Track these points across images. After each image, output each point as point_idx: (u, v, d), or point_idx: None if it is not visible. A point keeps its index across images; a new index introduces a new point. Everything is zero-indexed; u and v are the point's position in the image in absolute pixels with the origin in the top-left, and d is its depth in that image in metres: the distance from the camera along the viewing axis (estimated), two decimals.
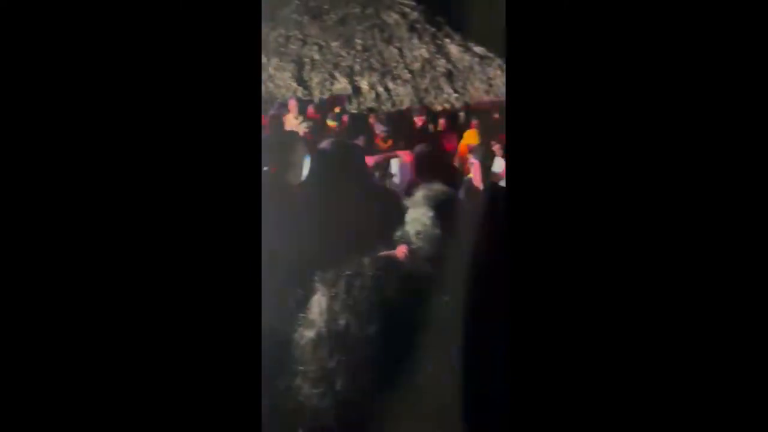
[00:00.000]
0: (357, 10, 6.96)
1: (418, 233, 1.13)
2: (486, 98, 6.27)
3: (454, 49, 6.63)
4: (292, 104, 4.54)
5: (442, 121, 4.95)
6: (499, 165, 2.97)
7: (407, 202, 1.23)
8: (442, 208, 1.16)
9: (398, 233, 1.16)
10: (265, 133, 2.61)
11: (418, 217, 1.15)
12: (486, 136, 3.79)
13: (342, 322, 0.70)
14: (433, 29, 6.75)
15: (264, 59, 5.90)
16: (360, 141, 3.36)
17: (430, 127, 4.91)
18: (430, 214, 1.14)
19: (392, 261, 0.90)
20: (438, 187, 1.24)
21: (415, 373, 0.75)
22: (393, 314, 0.71)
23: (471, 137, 3.54)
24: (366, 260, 0.79)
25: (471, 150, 3.25)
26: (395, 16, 6.82)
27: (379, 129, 4.20)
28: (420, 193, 1.20)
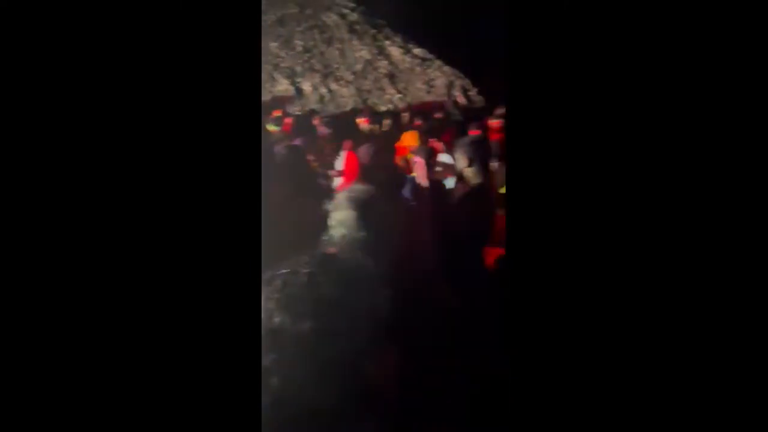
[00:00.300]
0: (295, 10, 6.86)
1: (343, 236, 1.12)
2: (428, 98, 6.42)
3: (394, 51, 6.72)
4: None
5: (386, 122, 5.00)
6: (440, 163, 3.06)
7: (329, 205, 1.21)
8: (366, 208, 1.16)
9: (325, 237, 1.15)
10: None
11: (342, 219, 1.15)
12: (427, 136, 3.88)
13: (276, 320, 0.69)
14: (374, 31, 6.80)
15: None
16: (301, 142, 3.31)
17: (375, 127, 4.95)
18: (354, 214, 1.14)
19: (329, 258, 0.90)
20: (360, 187, 1.23)
21: (356, 368, 0.75)
22: (330, 311, 0.71)
23: (410, 139, 3.61)
24: (303, 259, 0.78)
25: (412, 150, 3.31)
26: (334, 17, 6.80)
27: (323, 131, 4.16)
28: (342, 195, 1.19)
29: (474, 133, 3.59)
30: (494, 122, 4.42)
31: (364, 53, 6.61)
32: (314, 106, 6.15)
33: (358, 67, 6.52)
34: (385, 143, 4.23)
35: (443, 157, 2.94)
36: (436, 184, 2.48)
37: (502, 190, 2.43)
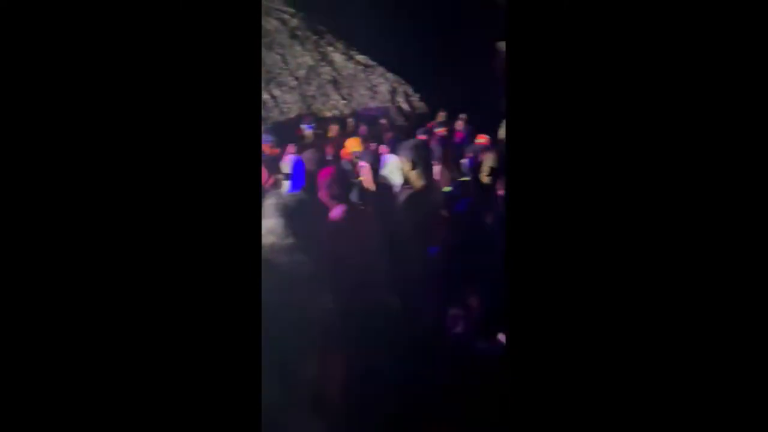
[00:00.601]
0: None
1: (272, 245, 1.08)
2: (372, 104, 6.49)
3: (337, 57, 6.74)
4: None
5: (335, 128, 4.99)
6: (387, 168, 3.11)
7: None
8: (295, 215, 1.13)
9: None
10: None
11: (270, 227, 1.10)
12: (371, 141, 3.92)
13: None
14: (315, 37, 6.77)
15: None
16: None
17: (320, 133, 4.92)
18: (282, 222, 1.11)
19: (265, 265, 0.88)
20: (287, 194, 1.20)
21: (298, 371, 0.75)
22: (268, 315, 0.70)
23: (353, 145, 3.64)
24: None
25: (356, 155, 3.34)
26: (275, 23, 6.70)
27: (265, 138, 4.08)
28: (269, 203, 1.16)
29: (420, 138, 3.69)
30: (439, 130, 4.59)
31: (307, 59, 6.56)
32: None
33: (301, 72, 6.46)
34: (332, 148, 4.22)
35: (385, 164, 2.99)
36: (383, 186, 2.52)
37: (445, 190, 2.51)
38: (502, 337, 1.05)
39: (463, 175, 2.70)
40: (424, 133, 4.16)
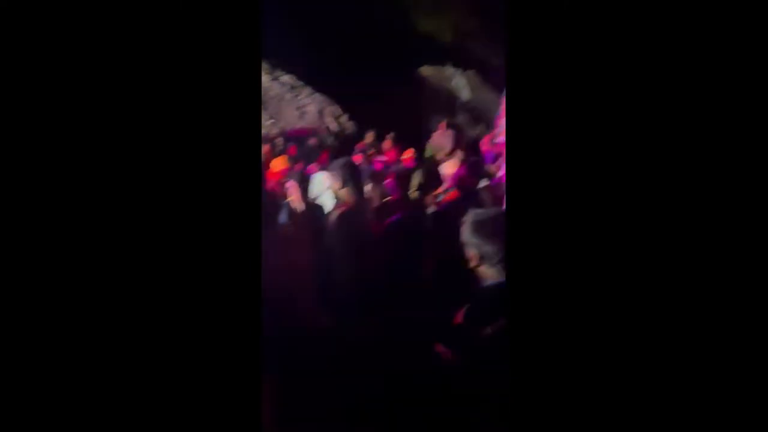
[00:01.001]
0: None
1: None
2: (300, 124, 6.44)
3: (262, 78, 6.62)
4: None
5: (265, 147, 4.86)
6: (317, 187, 3.08)
7: None
8: None
9: None
10: None
11: None
12: (299, 160, 3.88)
13: None
14: None
15: None
16: None
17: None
18: None
19: None
20: None
21: None
22: None
23: (279, 164, 3.58)
24: None
25: (283, 175, 3.27)
26: None
27: None
28: None
29: (355, 157, 3.72)
30: (372, 151, 4.68)
31: None
32: None
33: None
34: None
35: (313, 182, 2.96)
36: (313, 205, 2.48)
37: (377, 206, 2.54)
38: (440, 347, 1.07)
39: (393, 191, 2.76)
40: (360, 152, 4.22)
